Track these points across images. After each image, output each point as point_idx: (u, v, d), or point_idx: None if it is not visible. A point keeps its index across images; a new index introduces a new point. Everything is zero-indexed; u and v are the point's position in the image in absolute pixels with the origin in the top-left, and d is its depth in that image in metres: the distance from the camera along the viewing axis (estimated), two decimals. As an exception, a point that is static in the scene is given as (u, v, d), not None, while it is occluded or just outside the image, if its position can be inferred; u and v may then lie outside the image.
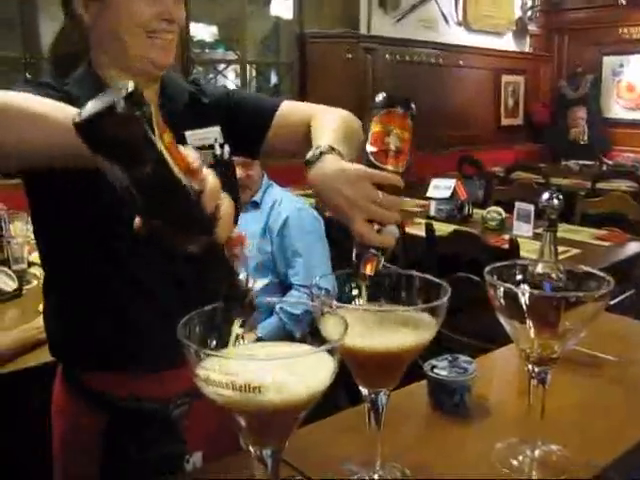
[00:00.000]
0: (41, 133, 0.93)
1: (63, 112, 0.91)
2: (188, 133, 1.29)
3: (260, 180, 2.89)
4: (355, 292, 0.94)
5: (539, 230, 3.57)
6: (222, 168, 1.22)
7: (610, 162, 7.10)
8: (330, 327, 0.78)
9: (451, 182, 4.35)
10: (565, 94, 8.30)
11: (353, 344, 0.82)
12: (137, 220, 0.75)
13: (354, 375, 0.93)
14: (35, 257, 2.76)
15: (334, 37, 6.08)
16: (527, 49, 8.37)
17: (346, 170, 0.99)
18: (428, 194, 4.36)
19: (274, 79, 6.54)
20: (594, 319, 0.99)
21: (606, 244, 3.77)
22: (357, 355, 0.85)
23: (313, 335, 0.79)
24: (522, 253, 3.17)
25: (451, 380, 1.29)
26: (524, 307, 0.97)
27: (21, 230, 3.03)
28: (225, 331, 0.79)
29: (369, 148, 0.98)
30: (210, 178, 0.76)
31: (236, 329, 0.79)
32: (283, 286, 2.79)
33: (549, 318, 0.99)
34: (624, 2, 7.71)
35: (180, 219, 0.74)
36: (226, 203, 0.78)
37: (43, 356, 1.81)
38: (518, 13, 8.04)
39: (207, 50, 6.42)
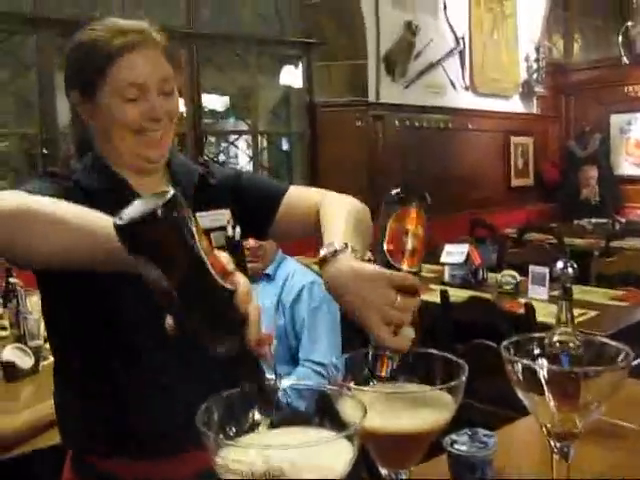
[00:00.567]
0: (67, 238, 0.95)
1: (94, 218, 0.94)
2: (198, 214, 1.31)
3: (274, 252, 2.88)
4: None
5: (554, 293, 3.55)
6: (233, 249, 1.24)
7: (623, 220, 7.08)
8: (349, 411, 0.77)
9: (464, 248, 4.34)
10: (574, 152, 8.36)
11: (371, 426, 0.81)
12: (169, 321, 0.76)
13: (373, 455, 0.92)
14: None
15: (344, 105, 6.19)
16: (534, 110, 8.46)
17: (364, 271, 0.98)
18: (442, 260, 4.36)
19: (285, 147, 6.63)
20: (615, 390, 0.98)
21: (623, 304, 3.73)
22: (375, 438, 0.84)
23: (331, 418, 0.79)
24: (538, 317, 3.15)
25: (472, 455, 1.27)
26: (543, 381, 0.97)
27: (37, 305, 3.04)
28: (243, 417, 0.79)
29: (386, 246, 0.97)
30: (242, 280, 0.78)
31: (255, 416, 0.79)
32: (293, 359, 2.76)
33: (568, 391, 0.98)
34: (627, 62, 7.83)
35: (215, 319, 0.76)
36: (255, 304, 0.80)
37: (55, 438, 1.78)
38: (524, 75, 8.15)
39: (219, 120, 6.54)
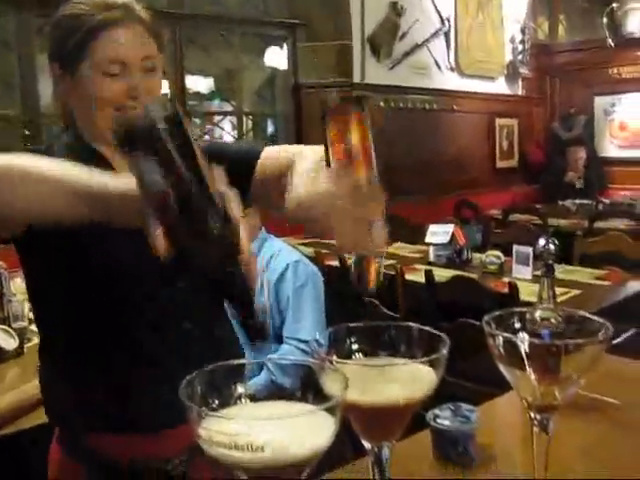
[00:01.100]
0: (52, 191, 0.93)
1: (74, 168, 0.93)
2: None
3: (256, 230, 2.84)
4: (355, 347, 0.94)
5: (538, 272, 3.57)
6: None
7: (607, 201, 7.12)
8: (330, 384, 0.78)
9: (449, 228, 4.36)
10: (559, 134, 8.39)
11: (353, 400, 0.82)
12: (160, 240, 0.75)
13: (356, 429, 0.93)
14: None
15: (328, 86, 6.16)
16: (519, 92, 8.47)
17: (318, 186, 0.94)
18: (426, 240, 4.38)
19: (270, 128, 6.61)
20: (594, 364, 0.99)
21: (606, 284, 3.77)
22: (357, 410, 0.85)
23: (315, 392, 0.80)
24: (522, 296, 3.18)
25: (454, 429, 1.29)
26: (524, 355, 0.98)
27: (21, 287, 3.03)
28: (226, 391, 0.79)
29: (333, 163, 0.94)
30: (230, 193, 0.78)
31: (238, 388, 0.79)
32: (278, 339, 2.76)
33: (549, 365, 0.99)
34: (612, 44, 7.85)
35: (208, 226, 0.75)
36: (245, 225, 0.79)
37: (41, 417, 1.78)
38: (509, 57, 8.16)
39: (203, 102, 6.50)
